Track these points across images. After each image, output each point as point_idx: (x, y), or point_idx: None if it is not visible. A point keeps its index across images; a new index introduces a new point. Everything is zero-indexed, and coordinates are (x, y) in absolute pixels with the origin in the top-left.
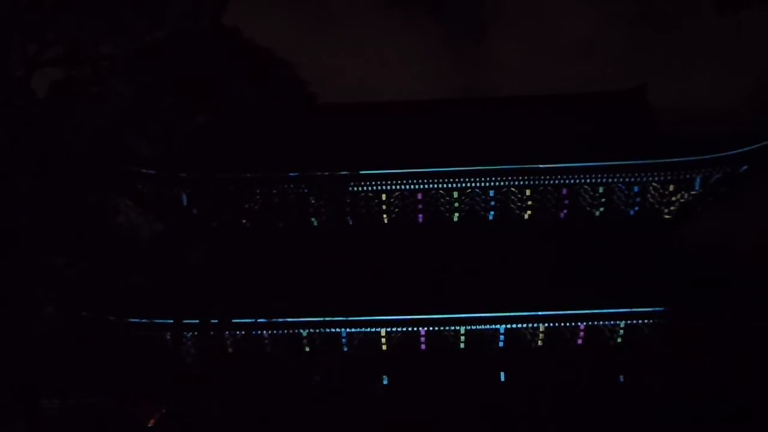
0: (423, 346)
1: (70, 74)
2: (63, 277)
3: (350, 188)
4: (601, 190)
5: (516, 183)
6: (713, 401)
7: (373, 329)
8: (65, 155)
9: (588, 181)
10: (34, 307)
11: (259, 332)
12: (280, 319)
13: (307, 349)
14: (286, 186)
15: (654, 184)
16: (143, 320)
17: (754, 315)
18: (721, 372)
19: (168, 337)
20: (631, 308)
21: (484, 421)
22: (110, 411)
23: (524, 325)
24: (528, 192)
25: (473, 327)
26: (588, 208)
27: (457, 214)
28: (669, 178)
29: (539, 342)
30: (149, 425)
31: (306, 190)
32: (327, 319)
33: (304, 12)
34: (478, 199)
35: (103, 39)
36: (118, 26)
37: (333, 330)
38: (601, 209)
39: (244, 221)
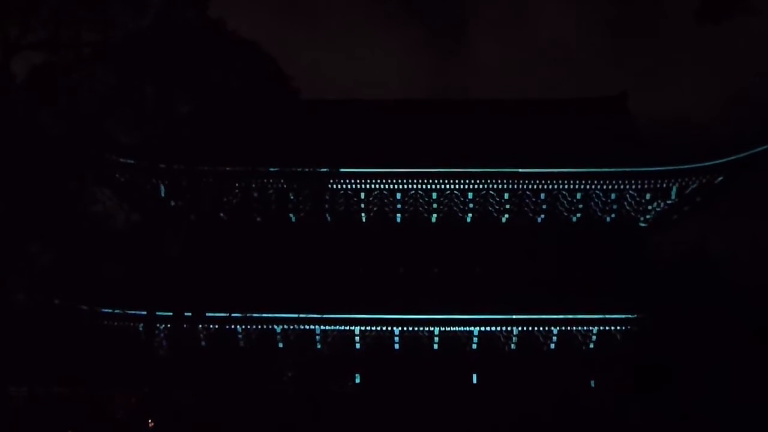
0: (397, 346)
1: (51, 59)
2: (36, 264)
3: (330, 185)
4: (578, 196)
5: (495, 186)
6: (683, 405)
7: (348, 327)
8: (43, 141)
9: (566, 186)
10: (6, 293)
11: (233, 326)
12: (255, 314)
13: (281, 345)
14: (265, 181)
15: (631, 192)
16: (116, 311)
17: (726, 322)
18: (692, 377)
19: (141, 329)
20: (604, 314)
21: (455, 421)
22: (80, 401)
23: (498, 328)
24: (506, 195)
25: (447, 328)
26: (565, 214)
27: (435, 216)
28: (646, 186)
29: (512, 345)
30: (119, 416)
31: (285, 186)
32: (301, 315)
33: (284, 7)
34: (456, 201)
35: (86, 25)
36: (102, 13)
37: (307, 327)
38: (578, 215)
39: (221, 214)
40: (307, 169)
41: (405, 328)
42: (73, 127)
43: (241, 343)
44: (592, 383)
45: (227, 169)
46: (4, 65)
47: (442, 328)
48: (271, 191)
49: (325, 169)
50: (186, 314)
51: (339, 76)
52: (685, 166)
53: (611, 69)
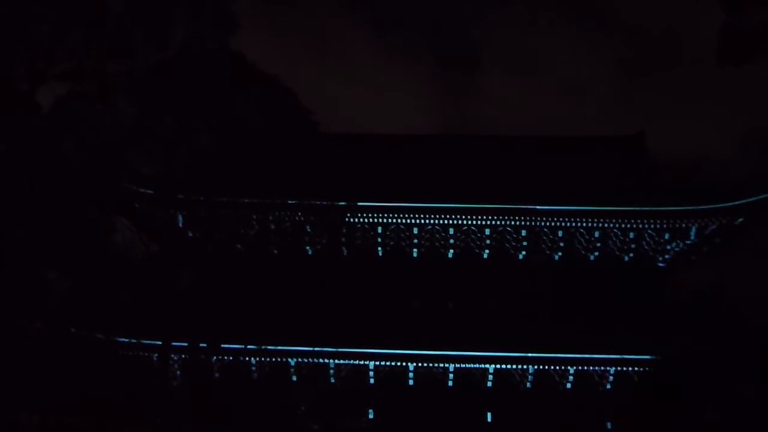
0: (411, 382)
1: (75, 90)
2: (54, 291)
3: (347, 219)
4: (596, 234)
5: (512, 223)
6: None
7: (362, 362)
8: (65, 169)
9: (584, 224)
10: (23, 320)
11: (248, 358)
12: (270, 347)
13: (295, 378)
14: (282, 213)
15: (649, 231)
16: (132, 340)
17: (745, 364)
18: (710, 421)
19: (155, 359)
20: (621, 355)
21: None
22: (91, 431)
23: (513, 366)
24: (524, 232)
25: (462, 365)
26: (583, 252)
27: (452, 251)
28: (665, 226)
29: (528, 384)
30: None
31: (303, 219)
32: (316, 349)
33: (300, 43)
34: (473, 236)
35: (110, 57)
36: (126, 45)
37: (321, 360)
38: (596, 254)
39: (238, 246)
40: (324, 203)
41: (419, 364)
42: (94, 156)
43: (255, 376)
44: (609, 425)
45: (245, 200)
46: (30, 96)
47: (457, 365)
48: (288, 224)
49: (342, 203)
50: (201, 345)
51: (351, 110)
52: (705, 207)
53: (629, 107)
